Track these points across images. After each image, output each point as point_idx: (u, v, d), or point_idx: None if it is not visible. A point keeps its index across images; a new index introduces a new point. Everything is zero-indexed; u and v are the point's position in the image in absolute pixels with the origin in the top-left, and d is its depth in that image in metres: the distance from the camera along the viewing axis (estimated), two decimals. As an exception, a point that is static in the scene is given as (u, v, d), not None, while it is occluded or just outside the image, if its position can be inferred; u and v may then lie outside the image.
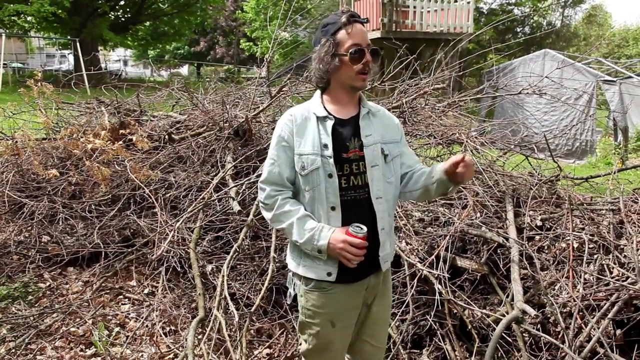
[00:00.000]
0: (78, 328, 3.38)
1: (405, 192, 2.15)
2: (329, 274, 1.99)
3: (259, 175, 3.25)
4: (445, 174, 2.01)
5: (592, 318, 2.77)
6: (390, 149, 2.07)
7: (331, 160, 1.94)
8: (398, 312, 3.10)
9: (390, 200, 2.07)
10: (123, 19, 27.79)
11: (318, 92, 2.10)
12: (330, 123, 1.99)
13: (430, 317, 3.07)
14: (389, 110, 4.74)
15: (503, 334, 2.81)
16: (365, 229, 1.91)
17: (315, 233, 1.94)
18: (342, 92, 2.04)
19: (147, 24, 28.45)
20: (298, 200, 2.04)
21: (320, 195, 1.97)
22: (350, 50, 1.93)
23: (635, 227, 3.23)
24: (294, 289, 2.14)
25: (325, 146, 1.96)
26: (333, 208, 1.97)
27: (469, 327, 3.04)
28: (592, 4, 33.10)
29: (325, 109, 2.03)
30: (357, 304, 2.11)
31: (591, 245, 3.19)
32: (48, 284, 3.93)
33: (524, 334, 2.88)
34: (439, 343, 3.05)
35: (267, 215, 2.07)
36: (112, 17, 26.76)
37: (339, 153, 1.97)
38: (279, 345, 3.26)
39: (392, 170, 2.07)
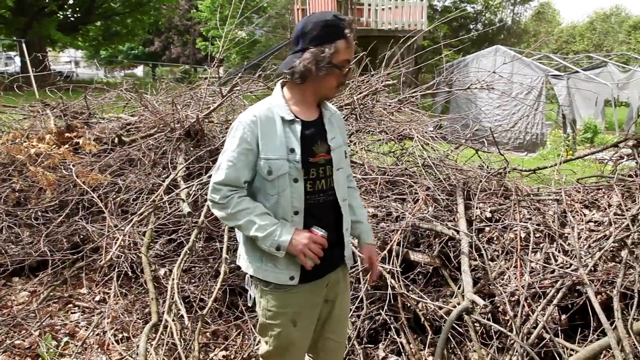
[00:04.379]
0: (24, 340, 3.25)
1: None
2: (292, 278, 1.97)
3: (211, 176, 3.21)
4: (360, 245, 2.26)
5: (538, 305, 2.86)
6: (346, 150, 2.11)
7: (298, 165, 1.89)
8: (353, 307, 3.12)
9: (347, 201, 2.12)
10: (72, 19, 26.94)
11: (278, 88, 2.01)
12: (298, 127, 1.93)
13: (384, 312, 3.10)
14: (340, 108, 4.80)
15: (455, 324, 2.87)
16: (325, 233, 1.93)
17: (277, 228, 1.89)
18: (312, 96, 1.99)
19: (98, 23, 27.66)
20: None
21: (285, 200, 1.92)
22: (344, 66, 1.92)
23: (577, 215, 3.35)
24: (254, 291, 2.08)
25: (292, 151, 1.90)
26: (296, 213, 1.94)
27: (423, 320, 3.08)
28: (540, 2, 34.23)
29: (291, 111, 1.96)
30: (319, 301, 2.10)
31: (537, 235, 3.30)
32: (-9, 295, 3.77)
33: (475, 324, 2.93)
34: (394, 337, 3.08)
35: (220, 213, 1.97)
36: (61, 16, 25.91)
37: (306, 158, 1.92)
38: (236, 347, 3.23)
39: (348, 171, 2.15)
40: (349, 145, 4.45)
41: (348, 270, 2.24)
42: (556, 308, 2.85)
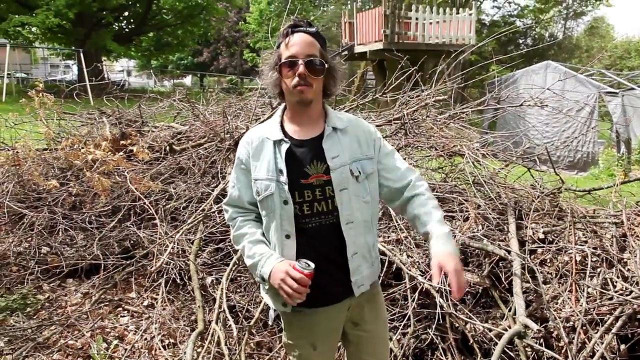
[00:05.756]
0: (76, 341, 3.35)
1: (393, 208, 2.01)
2: (284, 305, 1.91)
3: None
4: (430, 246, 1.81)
5: (596, 333, 2.74)
6: (363, 166, 1.91)
7: (286, 187, 1.83)
8: (399, 325, 3.07)
9: (368, 220, 1.93)
10: (127, 30, 28.00)
11: (280, 109, 1.99)
12: (284, 147, 1.86)
13: (431, 331, 3.04)
14: (389, 122, 4.77)
15: (505, 348, 2.77)
16: (312, 266, 1.79)
17: (262, 259, 1.86)
18: (295, 109, 1.91)
19: (151, 34, 28.66)
20: (260, 225, 1.97)
21: (275, 222, 1.87)
22: (280, 63, 1.83)
23: (638, 240, 3.20)
24: (274, 310, 2.07)
25: (281, 172, 1.84)
26: (288, 236, 1.86)
27: (471, 342, 3.00)
28: (594, 16, 33.26)
29: (283, 130, 1.91)
30: (339, 325, 2.03)
31: (594, 259, 3.17)
32: (47, 295, 3.90)
33: (526, 349, 2.84)
34: (441, 357, 3.01)
35: (231, 234, 2.03)
36: (116, 28, 26.97)
37: (296, 179, 1.84)
38: (279, 359, 3.22)
39: (367, 188, 1.92)
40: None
41: (375, 290, 2.07)
42: (615, 337, 2.72)
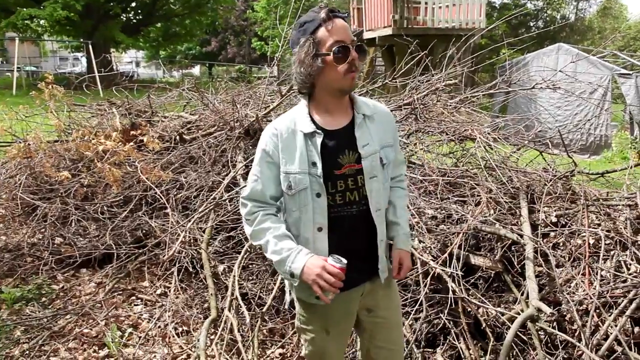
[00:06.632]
0: (91, 329, 3.39)
1: None
2: (318, 298, 1.83)
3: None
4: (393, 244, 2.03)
5: (610, 315, 2.72)
6: (387, 154, 1.92)
7: (320, 180, 1.80)
8: (411, 310, 3.07)
9: (385, 207, 1.97)
10: (135, 21, 28.03)
11: (303, 100, 1.91)
12: (319, 139, 1.82)
13: (444, 316, 3.03)
14: (399, 107, 4.74)
15: (518, 332, 2.76)
16: (345, 261, 1.76)
17: (292, 254, 1.80)
18: (329, 98, 1.85)
19: (159, 25, 28.65)
20: (281, 219, 1.93)
21: (307, 215, 1.84)
22: (333, 49, 1.75)
23: (653, 222, 3.17)
24: (289, 294, 2.07)
25: (314, 164, 1.81)
26: (320, 229, 1.84)
27: (484, 326, 2.99)
28: (606, -3, 32.66)
29: (313, 122, 1.85)
30: (352, 311, 2.02)
31: (607, 242, 3.13)
32: (61, 285, 3.96)
33: (539, 332, 2.82)
34: (453, 342, 3.00)
35: (247, 230, 1.95)
36: (124, 19, 27.00)
37: (330, 170, 1.82)
38: (292, 345, 3.24)
39: (387, 176, 1.94)
40: (406, 146, 4.40)
41: (390, 279, 2.07)
42: (629, 319, 2.70)
